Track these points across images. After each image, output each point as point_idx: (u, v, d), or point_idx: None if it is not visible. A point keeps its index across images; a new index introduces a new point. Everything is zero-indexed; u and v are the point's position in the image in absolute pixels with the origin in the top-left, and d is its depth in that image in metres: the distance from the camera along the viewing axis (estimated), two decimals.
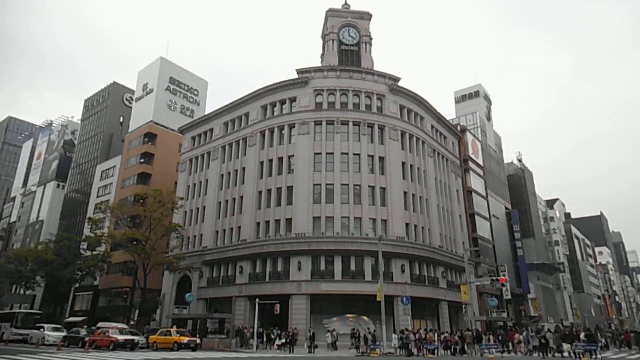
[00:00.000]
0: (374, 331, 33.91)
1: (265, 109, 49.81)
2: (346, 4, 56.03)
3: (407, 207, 45.52)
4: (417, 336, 31.18)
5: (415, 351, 30.19)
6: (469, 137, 65.74)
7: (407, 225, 44.77)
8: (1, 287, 62.52)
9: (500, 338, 33.24)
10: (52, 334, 34.84)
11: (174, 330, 32.86)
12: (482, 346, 30.32)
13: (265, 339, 35.12)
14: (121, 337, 29.51)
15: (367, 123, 46.33)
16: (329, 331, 35.20)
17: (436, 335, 32.74)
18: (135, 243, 46.87)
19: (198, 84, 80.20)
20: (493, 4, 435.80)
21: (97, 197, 72.36)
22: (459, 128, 63.87)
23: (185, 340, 30.47)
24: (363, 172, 44.56)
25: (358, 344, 31.91)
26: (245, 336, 35.75)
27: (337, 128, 45.71)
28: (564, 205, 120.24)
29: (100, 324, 42.26)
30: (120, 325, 37.66)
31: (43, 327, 36.29)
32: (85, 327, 42.64)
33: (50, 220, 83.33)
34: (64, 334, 35.44)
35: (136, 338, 30.68)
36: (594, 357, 25.86)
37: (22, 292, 67.71)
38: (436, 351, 29.76)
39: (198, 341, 31.70)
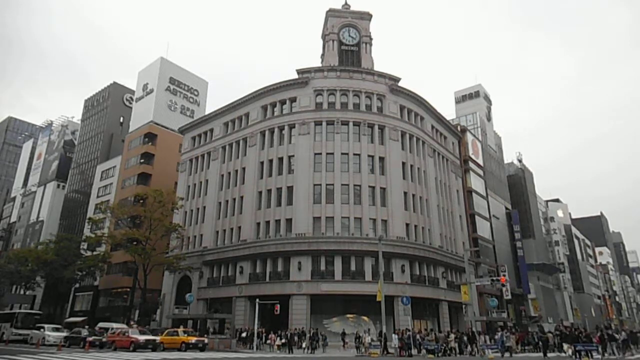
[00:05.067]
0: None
1: (265, 109, 49.83)
2: (346, 4, 56.03)
3: (407, 207, 45.55)
4: (419, 335, 31.23)
5: (415, 351, 30.18)
6: (469, 137, 65.77)
7: (407, 225, 44.80)
8: (1, 287, 62.59)
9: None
10: (52, 334, 34.79)
11: (181, 330, 32.35)
12: (481, 346, 30.30)
13: (263, 339, 34.99)
14: (142, 338, 28.58)
15: (367, 123, 46.35)
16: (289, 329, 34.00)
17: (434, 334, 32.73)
18: (135, 243, 46.92)
19: (198, 84, 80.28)
20: (493, 4, 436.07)
21: (97, 197, 72.41)
22: (458, 128, 63.88)
23: (193, 340, 29.70)
24: (363, 172, 44.58)
25: (359, 344, 31.97)
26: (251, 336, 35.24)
27: (337, 128, 45.73)
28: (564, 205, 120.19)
29: (100, 324, 42.31)
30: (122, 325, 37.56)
31: (43, 327, 36.26)
32: (87, 327, 42.68)
33: (50, 220, 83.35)
34: (64, 334, 35.40)
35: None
36: (594, 357, 25.83)
37: (22, 292, 67.76)
38: (436, 351, 29.75)
39: (206, 341, 30.92)
